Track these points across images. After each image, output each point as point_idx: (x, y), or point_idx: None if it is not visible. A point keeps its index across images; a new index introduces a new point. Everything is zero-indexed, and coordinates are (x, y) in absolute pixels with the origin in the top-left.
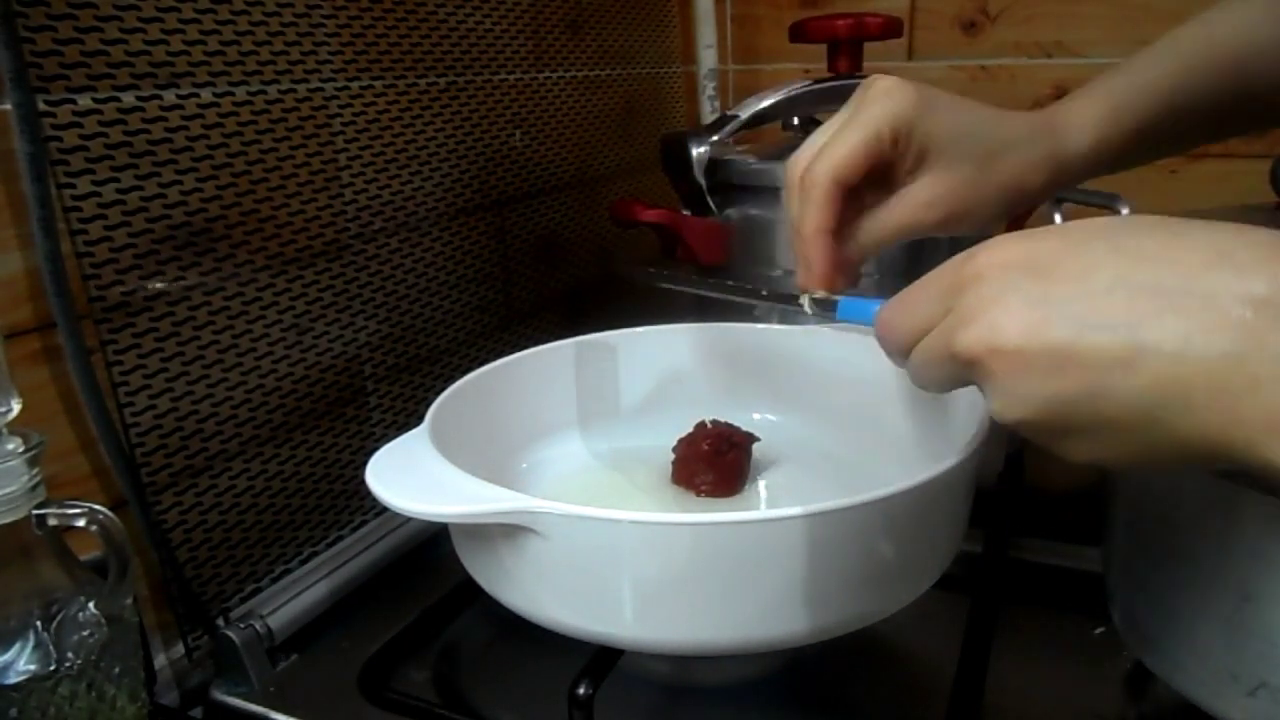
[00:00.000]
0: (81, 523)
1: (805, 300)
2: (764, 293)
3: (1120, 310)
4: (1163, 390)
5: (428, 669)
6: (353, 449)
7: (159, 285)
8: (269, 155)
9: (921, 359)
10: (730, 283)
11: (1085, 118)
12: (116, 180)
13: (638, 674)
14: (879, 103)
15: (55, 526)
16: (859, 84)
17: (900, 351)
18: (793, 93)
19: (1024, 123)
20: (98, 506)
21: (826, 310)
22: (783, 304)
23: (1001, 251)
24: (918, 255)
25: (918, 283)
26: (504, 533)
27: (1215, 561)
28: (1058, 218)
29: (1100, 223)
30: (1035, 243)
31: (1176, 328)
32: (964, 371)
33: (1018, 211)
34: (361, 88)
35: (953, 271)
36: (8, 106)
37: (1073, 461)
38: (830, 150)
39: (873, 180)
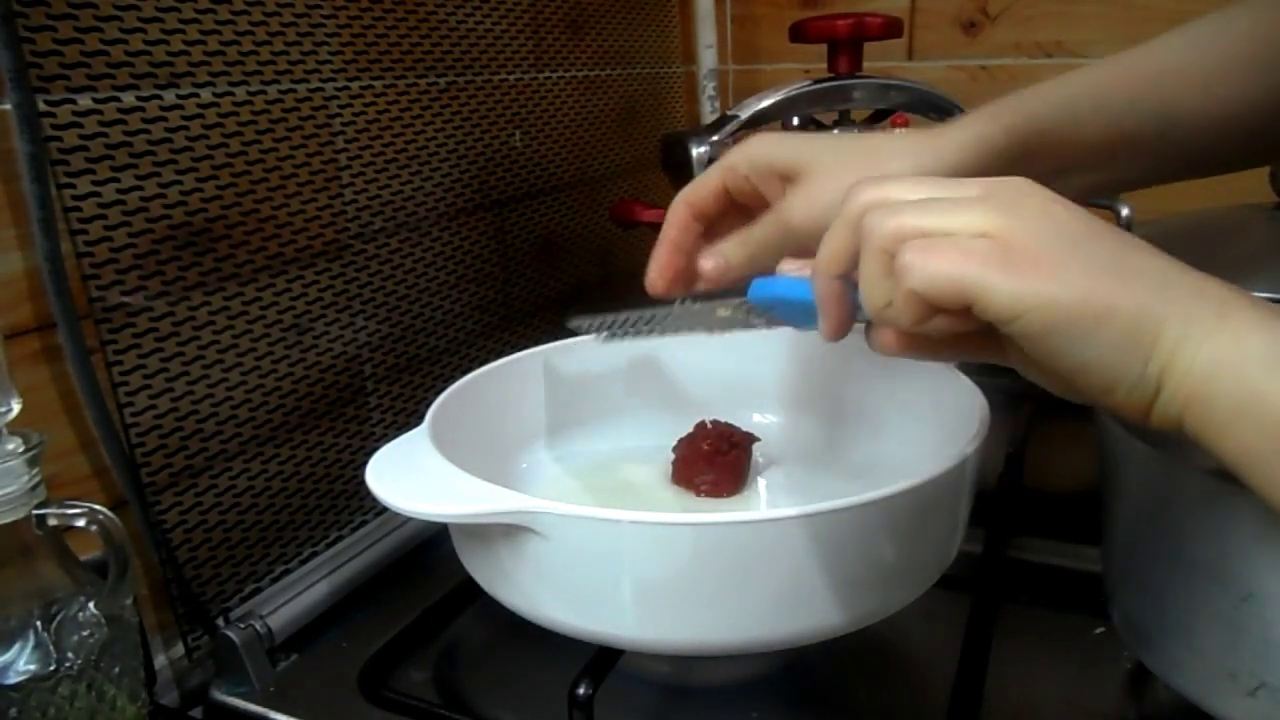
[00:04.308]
0: (81, 523)
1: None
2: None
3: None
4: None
5: (428, 669)
6: (353, 449)
7: (152, 295)
8: (269, 155)
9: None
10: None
11: (968, 120)
12: (116, 180)
13: (638, 674)
14: (738, 147)
15: (55, 526)
16: (860, 86)
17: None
18: (793, 93)
19: (886, 136)
20: (98, 506)
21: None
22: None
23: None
24: None
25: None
26: (504, 533)
27: (1215, 561)
28: None
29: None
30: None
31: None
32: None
33: None
34: (361, 88)
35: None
36: (8, 106)
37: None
38: (689, 186)
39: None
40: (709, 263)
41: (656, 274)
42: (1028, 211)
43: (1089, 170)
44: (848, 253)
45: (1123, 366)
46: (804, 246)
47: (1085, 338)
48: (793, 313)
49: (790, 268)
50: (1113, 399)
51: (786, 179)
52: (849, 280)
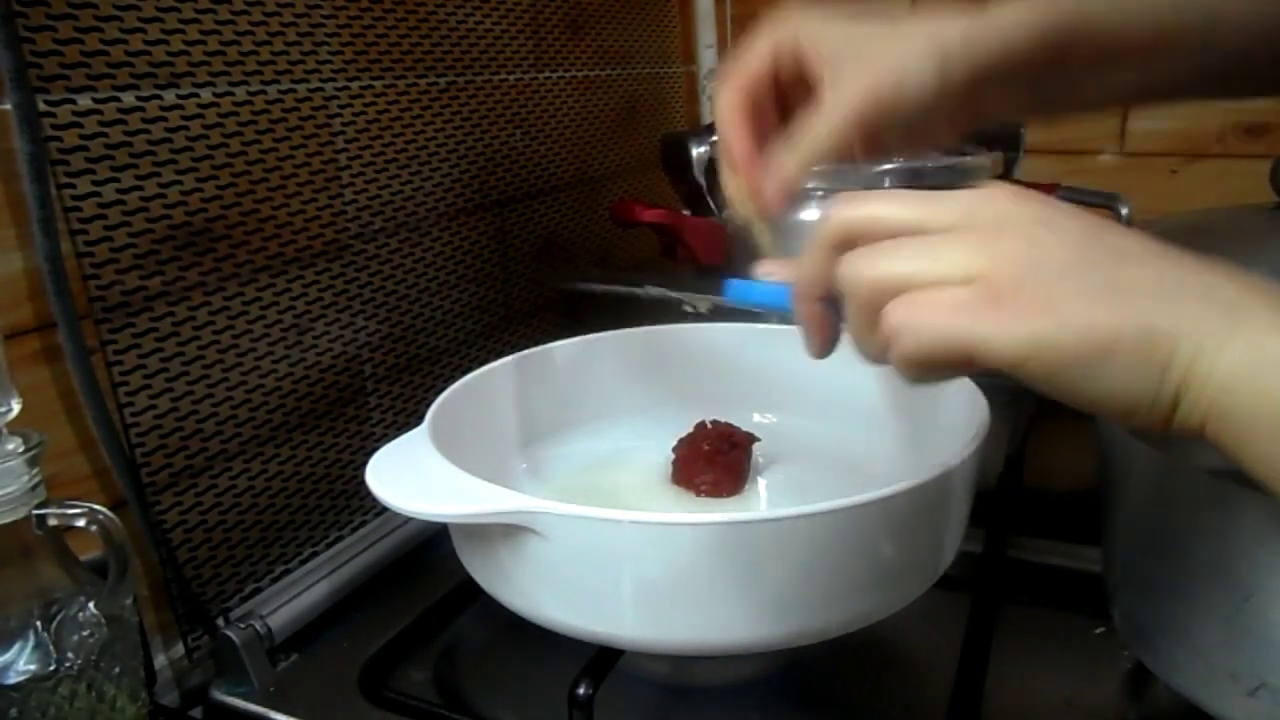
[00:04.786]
0: (81, 523)
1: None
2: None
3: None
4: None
5: (428, 669)
6: (353, 449)
7: (152, 295)
8: (269, 155)
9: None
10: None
11: (1014, 6)
12: (116, 180)
13: (638, 674)
14: (775, 24)
15: (55, 526)
16: None
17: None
18: None
19: (916, 23)
20: (98, 506)
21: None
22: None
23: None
24: None
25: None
26: (504, 533)
27: (1215, 561)
28: None
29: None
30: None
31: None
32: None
33: (953, 102)
34: (361, 88)
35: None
36: (8, 106)
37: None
38: (729, 70)
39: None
40: (772, 189)
41: (748, 173)
42: (1012, 242)
43: (1127, 69)
44: (826, 276)
45: (1138, 391)
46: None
47: (1094, 372)
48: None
49: (768, 270)
50: (1134, 421)
51: (834, 63)
52: (829, 300)
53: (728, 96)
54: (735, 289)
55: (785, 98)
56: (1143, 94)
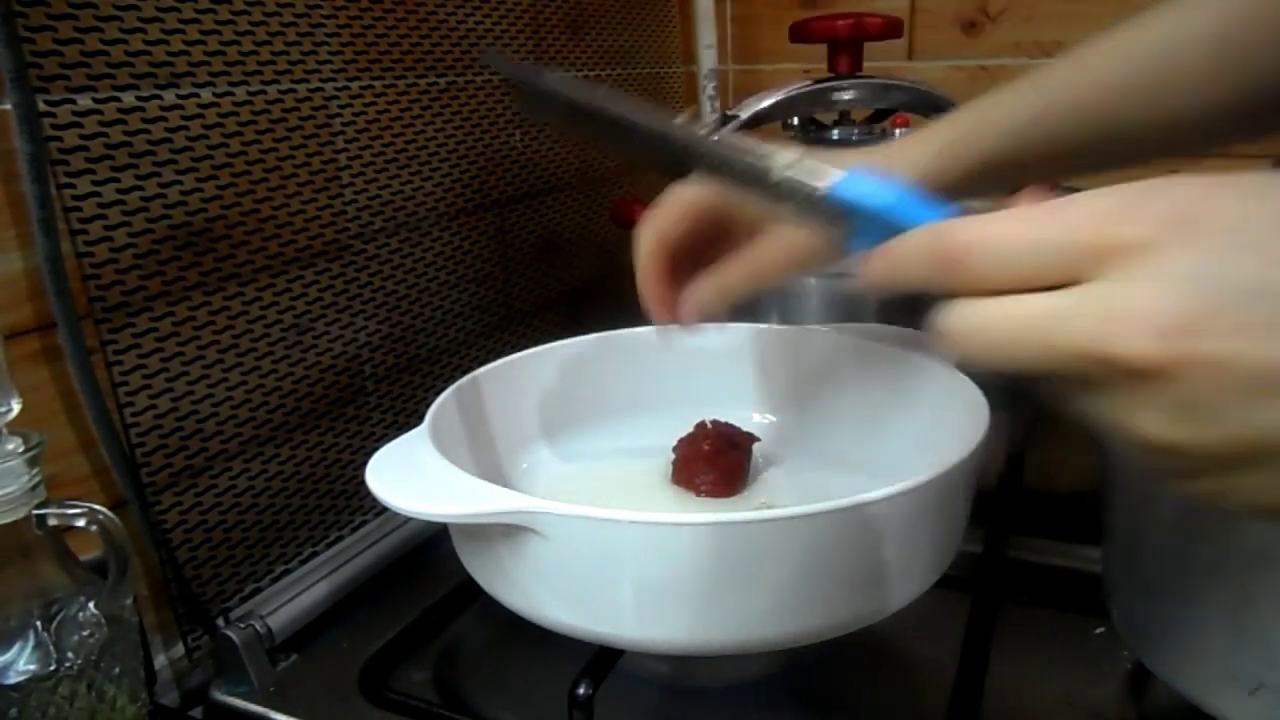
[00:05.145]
0: (81, 523)
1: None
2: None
3: None
4: None
5: (428, 669)
6: (353, 449)
7: (152, 295)
8: (269, 155)
9: (1011, 331)
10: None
11: (914, 153)
12: (116, 180)
13: (638, 674)
14: (693, 187)
15: (55, 526)
16: (860, 85)
17: (962, 291)
18: (792, 93)
19: (852, 161)
20: (98, 506)
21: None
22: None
23: (1185, 207)
24: None
25: (1016, 216)
26: (504, 533)
27: (1215, 561)
28: None
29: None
30: (1239, 203)
31: None
32: (1092, 369)
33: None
34: (361, 88)
35: (1099, 225)
36: (8, 106)
37: (1234, 506)
38: (653, 219)
39: (721, 237)
40: (686, 311)
41: (656, 306)
42: (1188, 264)
43: (1037, 176)
44: (1036, 286)
45: None
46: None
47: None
48: (864, 226)
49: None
50: None
51: (752, 228)
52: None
53: (646, 246)
54: (846, 185)
55: (712, 236)
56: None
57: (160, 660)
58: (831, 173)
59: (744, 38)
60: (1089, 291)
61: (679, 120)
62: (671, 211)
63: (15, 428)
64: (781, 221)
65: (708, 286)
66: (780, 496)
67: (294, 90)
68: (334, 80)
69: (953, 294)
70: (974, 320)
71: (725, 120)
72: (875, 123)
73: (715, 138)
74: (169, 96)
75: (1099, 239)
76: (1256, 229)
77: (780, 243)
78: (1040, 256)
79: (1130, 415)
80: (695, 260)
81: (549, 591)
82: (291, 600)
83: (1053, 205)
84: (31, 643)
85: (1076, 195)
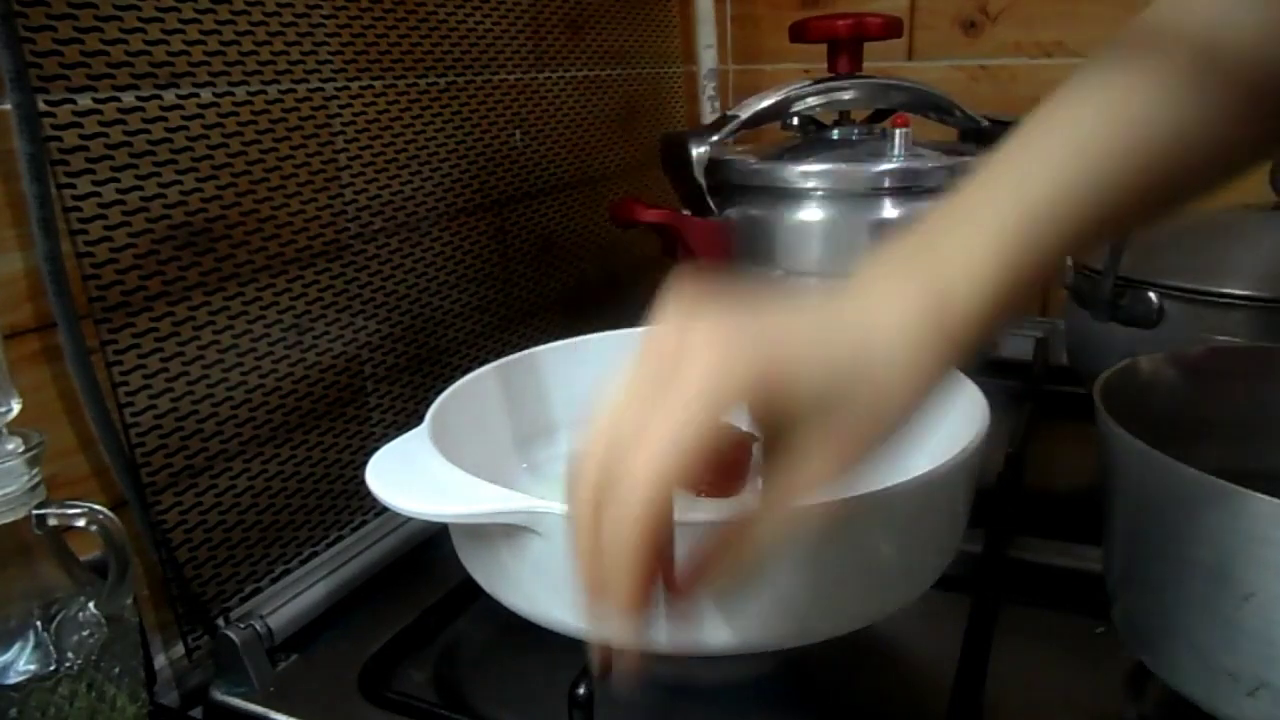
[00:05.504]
0: (81, 523)
1: None
2: None
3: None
4: None
5: (428, 669)
6: (353, 449)
7: (152, 295)
8: (269, 155)
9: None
10: None
11: (974, 276)
12: (116, 180)
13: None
14: (724, 369)
15: (55, 526)
16: (860, 85)
17: None
18: (792, 93)
19: (897, 320)
20: (98, 506)
21: None
22: None
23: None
24: None
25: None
26: (504, 533)
27: (1215, 561)
28: None
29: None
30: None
31: None
32: None
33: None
34: (361, 88)
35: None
36: (8, 106)
37: None
38: (655, 445)
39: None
40: (679, 607)
41: (632, 601)
42: None
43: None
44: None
45: None
46: None
47: None
48: None
49: None
50: None
51: (792, 418)
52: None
53: (649, 497)
54: None
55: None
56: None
57: (160, 660)
58: None
59: (744, 38)
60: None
61: None
62: (695, 425)
63: (15, 428)
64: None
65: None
66: None
67: (294, 90)
68: (334, 80)
69: None
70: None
71: (725, 120)
72: (875, 123)
73: None
74: (169, 96)
75: None
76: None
77: (814, 473)
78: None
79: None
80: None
81: (549, 591)
82: (291, 600)
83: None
84: (31, 643)
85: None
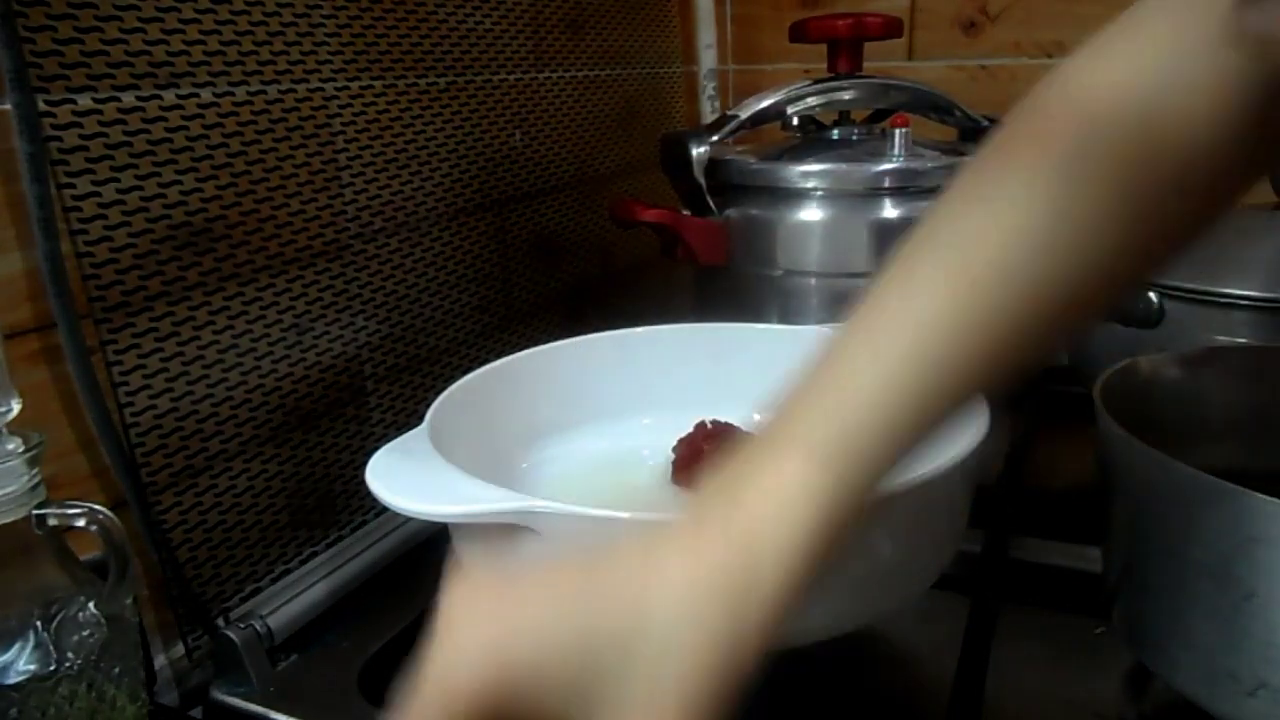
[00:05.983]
0: (81, 523)
1: None
2: None
3: None
4: None
5: None
6: (353, 449)
7: (152, 295)
8: (269, 155)
9: None
10: None
11: (784, 521)
12: (116, 180)
13: None
14: (441, 671)
15: (55, 526)
16: (860, 85)
17: None
18: (792, 93)
19: (679, 578)
20: (98, 506)
21: None
22: None
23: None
24: None
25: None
26: (504, 533)
27: (1215, 561)
28: None
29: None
30: None
31: None
32: None
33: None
34: (361, 88)
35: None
36: (8, 106)
37: None
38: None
39: None
40: None
41: None
42: None
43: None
44: None
45: None
46: None
47: None
48: None
49: None
50: None
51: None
52: None
53: None
54: None
55: None
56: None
57: (160, 660)
58: None
59: (744, 38)
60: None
61: None
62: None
63: (15, 428)
64: None
65: None
66: None
67: (294, 90)
68: (334, 80)
69: None
70: None
71: (725, 120)
72: (875, 122)
73: None
74: (169, 96)
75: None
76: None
77: None
78: None
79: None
80: None
81: None
82: (291, 600)
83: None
84: (31, 643)
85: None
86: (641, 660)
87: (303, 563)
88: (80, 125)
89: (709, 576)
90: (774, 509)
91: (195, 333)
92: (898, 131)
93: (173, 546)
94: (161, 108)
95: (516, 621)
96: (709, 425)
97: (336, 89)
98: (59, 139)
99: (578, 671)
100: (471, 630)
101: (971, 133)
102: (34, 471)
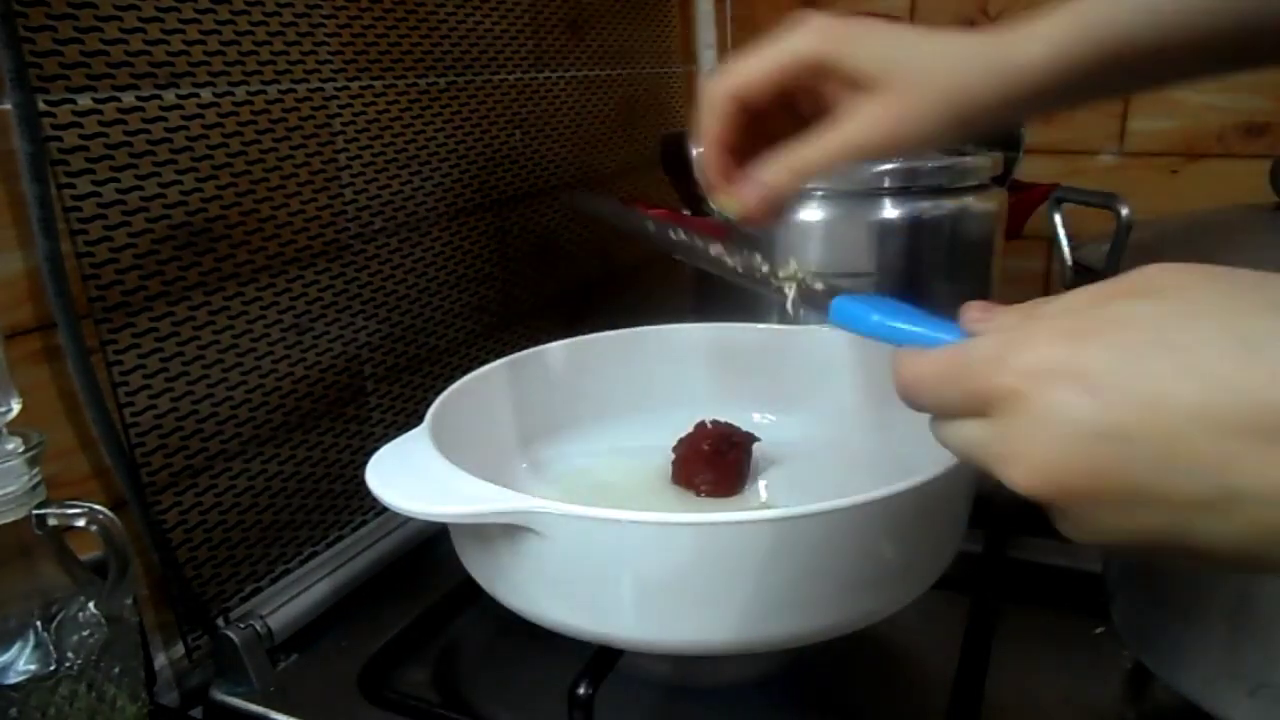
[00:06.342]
0: (81, 523)
1: (790, 289)
2: (734, 265)
3: (1204, 454)
4: (1261, 533)
5: (428, 669)
6: (353, 449)
7: (152, 295)
8: (269, 155)
9: (957, 449)
10: (699, 245)
11: (1044, 27)
12: (116, 180)
13: (638, 674)
14: (798, 34)
15: (55, 526)
16: None
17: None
18: None
19: (965, 36)
20: (98, 506)
21: (814, 306)
22: (756, 285)
23: (1037, 357)
24: (917, 257)
25: (937, 362)
26: (504, 533)
27: None
28: (1058, 218)
29: (1153, 319)
30: (1082, 350)
31: (1274, 474)
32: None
33: (974, 129)
34: (361, 88)
35: (984, 375)
36: (8, 106)
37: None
38: (735, 68)
39: (804, 109)
40: (753, 189)
41: (714, 179)
42: (1044, 414)
43: (1169, 72)
44: (959, 415)
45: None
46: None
47: None
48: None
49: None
50: None
51: (855, 85)
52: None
53: (717, 102)
54: (842, 313)
55: (789, 100)
56: (1188, 77)
57: (160, 660)
58: (827, 300)
59: (744, 38)
60: (989, 432)
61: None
62: (765, 61)
63: (15, 428)
64: (871, 93)
65: (784, 163)
66: (780, 496)
67: (294, 90)
68: (334, 80)
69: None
70: (937, 433)
71: None
72: None
73: (729, 258)
74: (169, 96)
75: (983, 387)
76: (1104, 375)
77: (869, 122)
78: (953, 402)
79: (1057, 524)
80: (760, 135)
81: (549, 591)
82: (291, 600)
83: (964, 350)
84: (31, 643)
85: (978, 338)
86: (924, 65)
87: (303, 563)
88: (80, 125)
89: (980, 42)
90: (1032, 28)
91: (195, 333)
92: (975, 36)
93: (173, 546)
94: (161, 108)
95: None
96: (709, 425)
97: (336, 89)
98: (59, 139)
99: (886, 56)
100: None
101: None
102: (34, 471)
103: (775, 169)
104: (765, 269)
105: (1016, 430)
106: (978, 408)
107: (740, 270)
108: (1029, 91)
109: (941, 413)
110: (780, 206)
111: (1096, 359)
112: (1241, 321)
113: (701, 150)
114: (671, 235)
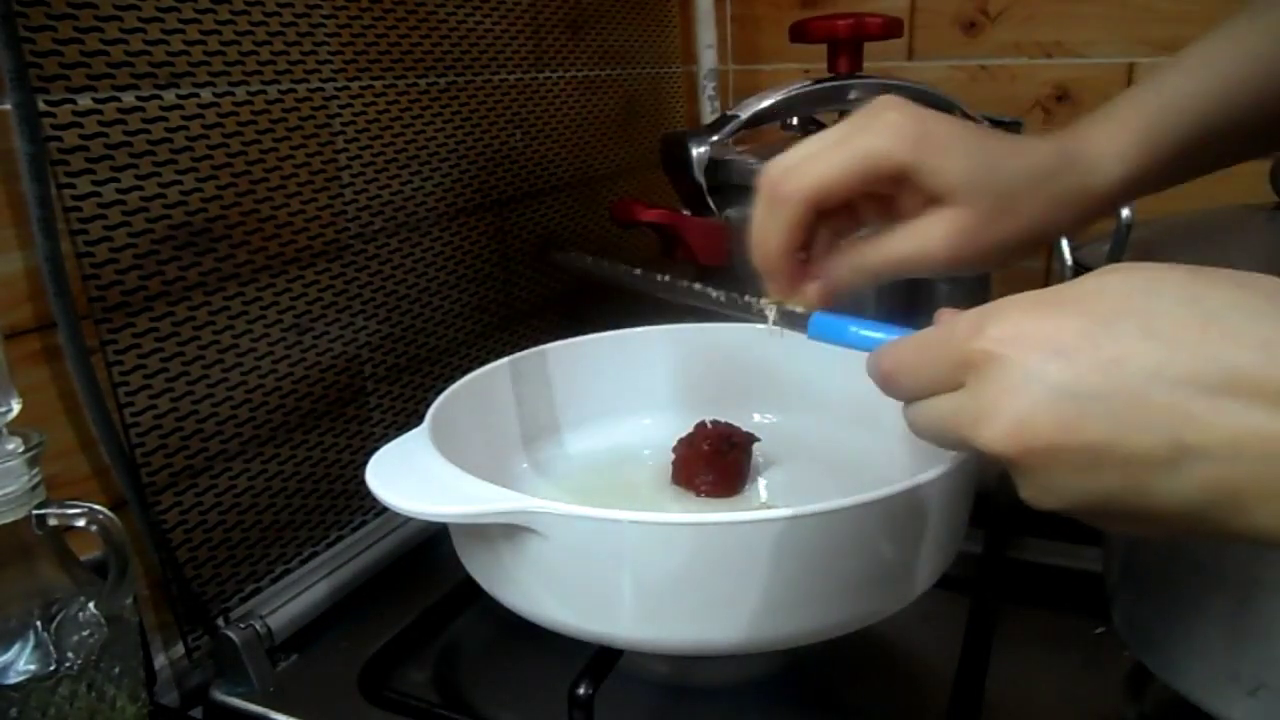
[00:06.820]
0: (81, 523)
1: (771, 311)
2: (718, 297)
3: (1160, 410)
4: (1212, 491)
5: (428, 669)
6: (353, 449)
7: (152, 295)
8: (269, 155)
9: (930, 427)
10: (682, 284)
11: (1116, 145)
12: (116, 180)
13: (638, 674)
14: (881, 135)
15: (55, 526)
16: (860, 85)
17: (900, 400)
18: (793, 93)
19: (1045, 156)
20: (98, 506)
21: (794, 325)
22: (739, 312)
23: (1015, 326)
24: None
25: (916, 341)
26: (504, 533)
27: (1215, 561)
28: None
29: (1121, 292)
30: (1053, 319)
31: (1224, 431)
32: (985, 456)
33: (1039, 250)
34: (361, 88)
35: (961, 343)
36: (8, 106)
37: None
38: (809, 167)
39: (872, 204)
40: (815, 292)
41: (782, 286)
42: (1019, 373)
43: (1218, 159)
44: (938, 391)
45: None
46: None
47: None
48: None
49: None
50: None
51: (933, 197)
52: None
53: (793, 208)
54: (822, 328)
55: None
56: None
57: (160, 660)
58: (805, 320)
59: (744, 38)
60: (961, 398)
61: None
62: (843, 162)
63: (15, 428)
64: (948, 209)
65: (852, 264)
66: (780, 496)
67: (294, 90)
68: (334, 80)
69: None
70: (911, 418)
71: (725, 120)
72: None
73: (712, 291)
74: (169, 96)
75: (960, 355)
76: (1073, 339)
77: (942, 238)
78: (930, 377)
79: (1020, 490)
80: (825, 231)
81: (549, 591)
82: (291, 600)
83: (942, 327)
84: (31, 643)
85: (961, 314)
86: (1004, 178)
87: (303, 563)
88: (80, 125)
89: (1056, 153)
90: (1108, 135)
91: (195, 333)
92: (1053, 147)
93: (173, 546)
94: (161, 108)
95: (952, 123)
96: (709, 425)
97: (336, 89)
98: (59, 139)
99: (972, 168)
100: (922, 113)
101: None
102: (34, 471)
103: (841, 271)
104: (746, 297)
105: (989, 391)
106: (955, 378)
107: (723, 300)
108: (1104, 209)
109: (918, 392)
110: (837, 295)
111: (1068, 326)
112: (1204, 292)
113: (762, 248)
114: (656, 279)
